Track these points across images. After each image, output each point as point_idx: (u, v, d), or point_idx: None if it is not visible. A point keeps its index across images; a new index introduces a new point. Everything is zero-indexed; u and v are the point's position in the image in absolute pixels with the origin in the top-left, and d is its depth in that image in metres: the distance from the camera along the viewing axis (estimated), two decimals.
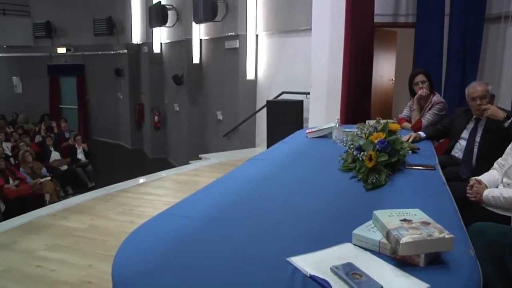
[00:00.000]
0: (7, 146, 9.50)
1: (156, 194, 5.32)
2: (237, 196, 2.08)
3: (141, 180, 6.03)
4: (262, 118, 8.12)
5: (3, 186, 7.46)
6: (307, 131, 3.89)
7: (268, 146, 6.72)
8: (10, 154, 9.10)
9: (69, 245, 3.80)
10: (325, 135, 3.78)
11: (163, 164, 10.70)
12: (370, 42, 6.04)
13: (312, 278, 1.27)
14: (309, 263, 1.36)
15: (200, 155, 7.91)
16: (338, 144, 2.76)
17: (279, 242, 1.56)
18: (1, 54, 16.44)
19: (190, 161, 7.59)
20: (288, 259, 1.38)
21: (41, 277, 3.23)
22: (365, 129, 2.68)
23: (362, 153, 2.44)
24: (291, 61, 7.93)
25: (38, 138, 10.79)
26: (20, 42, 15.11)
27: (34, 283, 3.13)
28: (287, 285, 1.25)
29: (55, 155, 9.32)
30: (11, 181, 7.65)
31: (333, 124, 3.72)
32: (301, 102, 6.96)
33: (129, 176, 6.41)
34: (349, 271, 1.28)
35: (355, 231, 1.51)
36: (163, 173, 6.36)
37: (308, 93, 6.74)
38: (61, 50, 14.66)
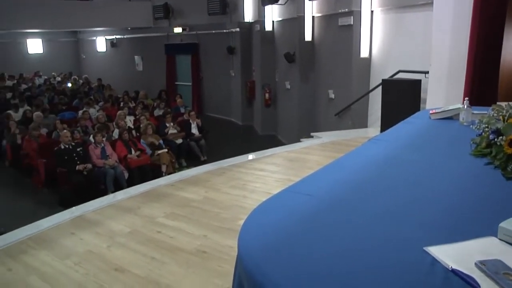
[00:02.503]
0: (130, 120, 10.23)
1: (268, 170, 5.37)
2: (361, 177, 1.98)
3: (253, 156, 6.13)
4: (375, 98, 7.81)
5: (127, 156, 8.07)
6: (431, 111, 3.62)
7: (382, 127, 6.48)
8: (132, 127, 9.79)
9: (185, 215, 4.00)
10: (450, 117, 3.50)
11: (273, 141, 10.81)
12: (501, 14, 5.44)
13: (455, 272, 1.15)
14: (449, 255, 1.23)
15: (312, 134, 7.84)
16: (471, 127, 2.51)
17: (412, 229, 1.45)
18: (126, 35, 17.79)
19: (301, 139, 7.56)
20: (425, 248, 1.27)
21: (162, 242, 3.44)
22: (504, 111, 2.41)
23: (500, 137, 2.19)
24: (408, 38, 7.48)
25: (157, 112, 11.47)
26: (141, 23, 16.14)
27: (156, 247, 3.34)
28: (426, 278, 1.14)
29: (171, 129, 9.84)
30: (133, 151, 8.24)
31: (460, 105, 3.44)
32: (418, 81, 6.56)
33: (240, 152, 6.56)
34: (499, 270, 1.13)
35: (503, 225, 1.34)
36: (274, 150, 6.41)
37: (427, 72, 6.32)
38: (177, 29, 15.33)
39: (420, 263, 1.20)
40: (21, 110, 11.00)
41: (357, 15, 8.20)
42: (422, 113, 3.93)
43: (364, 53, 8.25)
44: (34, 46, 19.47)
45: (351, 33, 8.35)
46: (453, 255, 1.23)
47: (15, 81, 16.27)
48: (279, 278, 1.16)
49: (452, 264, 1.18)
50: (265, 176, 5.15)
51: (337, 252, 1.30)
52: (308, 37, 9.68)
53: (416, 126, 3.29)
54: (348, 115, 8.61)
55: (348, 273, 1.18)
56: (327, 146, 6.58)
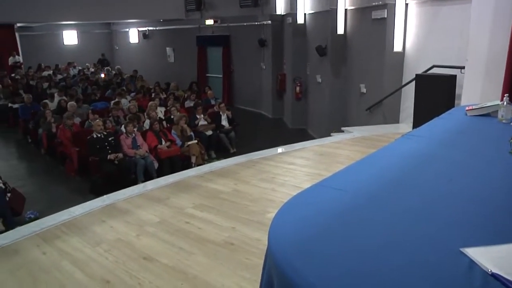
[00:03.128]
0: (161, 111, 10.33)
1: (297, 164, 5.33)
2: (395, 173, 1.93)
3: (283, 149, 6.10)
4: (408, 93, 7.65)
5: (157, 146, 8.16)
6: (467, 108, 3.51)
7: (414, 123, 6.33)
8: (163, 118, 9.88)
9: (214, 206, 4.01)
10: (488, 114, 3.38)
11: (303, 134, 10.75)
12: None
13: (495, 277, 1.09)
14: (488, 258, 1.17)
15: (343, 128, 7.75)
16: (511, 124, 2.42)
17: (448, 229, 1.39)
18: (158, 27, 17.97)
19: (331, 134, 7.48)
20: (462, 250, 1.22)
21: (190, 233, 3.46)
22: None
23: None
24: (443, 32, 7.26)
25: (188, 104, 11.54)
26: (173, 15, 16.27)
27: (184, 238, 3.37)
28: (464, 281, 1.09)
29: (201, 121, 9.89)
30: (163, 142, 8.32)
31: (498, 102, 3.32)
32: (454, 77, 6.36)
33: (269, 145, 6.54)
34: None
35: None
36: (304, 144, 6.35)
37: (463, 68, 6.14)
38: (209, 22, 15.37)
39: (457, 265, 1.15)
40: (56, 100, 11.25)
41: (391, 8, 8.01)
42: (458, 109, 3.82)
43: (397, 47, 8.07)
44: (70, 37, 19.92)
45: (384, 27, 8.18)
46: (492, 258, 1.17)
47: (51, 72, 16.67)
48: (311, 275, 1.13)
49: (492, 267, 1.12)
50: (294, 169, 5.11)
51: (370, 249, 1.26)
52: (340, 30, 9.53)
53: (451, 122, 3.19)
54: (380, 110, 8.46)
55: (381, 272, 1.15)
56: (358, 141, 6.48)
